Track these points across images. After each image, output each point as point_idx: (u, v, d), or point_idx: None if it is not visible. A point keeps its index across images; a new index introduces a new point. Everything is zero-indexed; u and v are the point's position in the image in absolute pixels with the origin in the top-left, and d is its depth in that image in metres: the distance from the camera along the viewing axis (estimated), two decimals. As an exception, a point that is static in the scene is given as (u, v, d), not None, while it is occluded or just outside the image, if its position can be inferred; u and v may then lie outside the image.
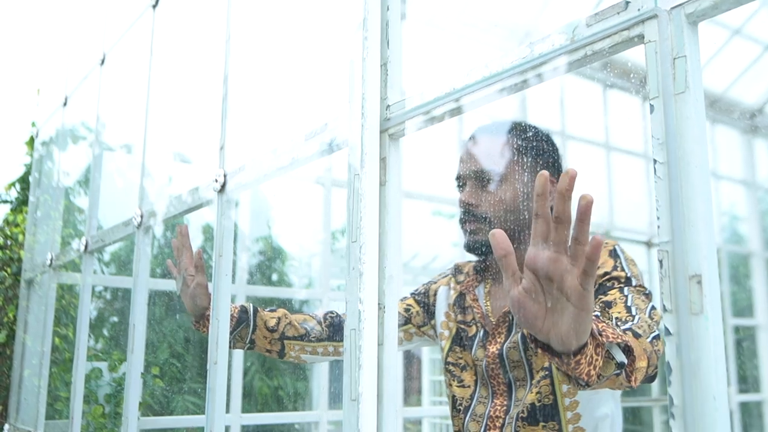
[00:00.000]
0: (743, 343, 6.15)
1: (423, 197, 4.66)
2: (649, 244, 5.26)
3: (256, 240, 6.66)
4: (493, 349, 1.62)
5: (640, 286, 1.48)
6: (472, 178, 1.64)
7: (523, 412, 1.55)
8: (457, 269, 1.82)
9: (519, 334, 1.57)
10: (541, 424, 1.52)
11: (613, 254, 1.52)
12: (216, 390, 1.63)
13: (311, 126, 1.43)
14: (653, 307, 1.43)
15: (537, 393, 1.54)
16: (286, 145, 1.51)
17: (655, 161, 0.90)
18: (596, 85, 5.34)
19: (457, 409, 1.70)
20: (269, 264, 6.68)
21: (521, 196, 1.59)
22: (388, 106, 1.31)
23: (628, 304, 1.40)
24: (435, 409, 6.96)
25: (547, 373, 1.53)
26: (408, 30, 1.40)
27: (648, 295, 1.48)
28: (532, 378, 1.56)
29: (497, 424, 1.60)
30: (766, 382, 5.86)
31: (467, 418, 1.67)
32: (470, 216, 1.62)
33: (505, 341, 1.60)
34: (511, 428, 1.56)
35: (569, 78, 5.17)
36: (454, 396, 1.71)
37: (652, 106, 0.93)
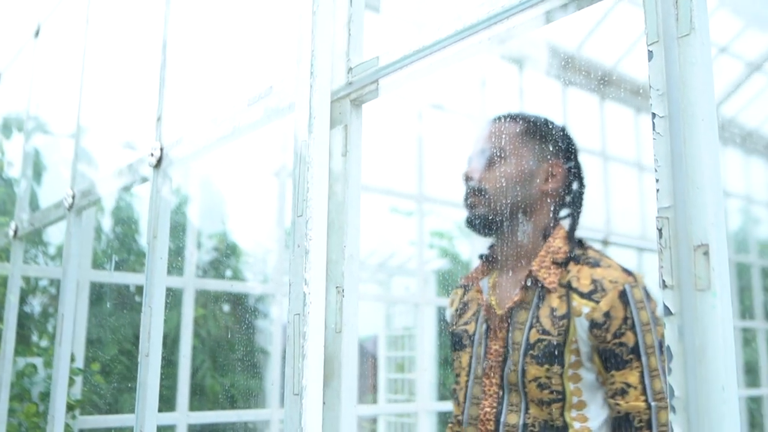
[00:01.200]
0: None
1: (380, 191, 4.52)
2: (605, 243, 5.19)
3: (209, 236, 6.47)
4: (495, 346, 1.51)
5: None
6: (477, 156, 1.62)
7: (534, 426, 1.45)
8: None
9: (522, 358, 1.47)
10: None
11: (623, 298, 1.45)
12: (147, 385, 1.46)
13: (255, 90, 1.28)
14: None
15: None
16: (227, 113, 1.35)
17: (654, 115, 0.76)
18: (592, 96, 5.27)
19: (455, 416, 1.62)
20: (223, 260, 6.50)
21: (521, 177, 1.56)
22: (350, 68, 1.16)
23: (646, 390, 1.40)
24: (391, 407, 6.83)
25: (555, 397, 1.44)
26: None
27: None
28: (527, 407, 1.46)
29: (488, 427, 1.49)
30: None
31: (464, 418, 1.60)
32: (469, 190, 1.60)
33: (507, 342, 1.51)
34: None
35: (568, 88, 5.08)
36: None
37: (650, 52, 0.79)
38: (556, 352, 1.43)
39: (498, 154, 1.58)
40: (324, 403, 1.07)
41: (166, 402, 3.65)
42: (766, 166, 6.72)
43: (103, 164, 2.31)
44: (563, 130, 1.65)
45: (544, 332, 1.45)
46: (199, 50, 1.93)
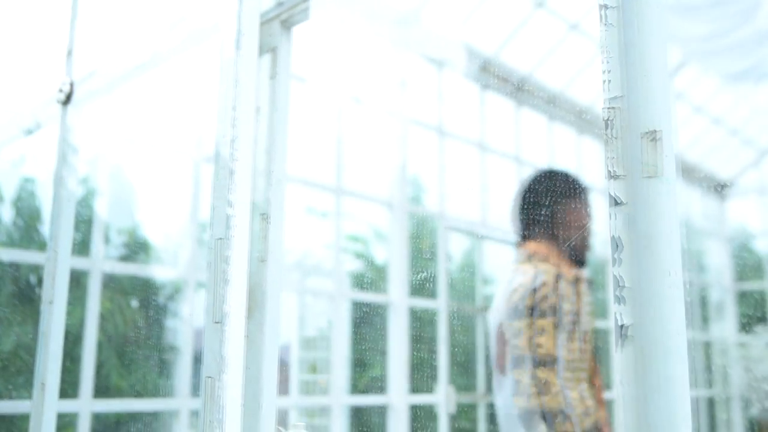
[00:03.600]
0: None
1: (299, 181, 4.45)
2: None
3: (118, 232, 6.24)
4: None
5: None
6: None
7: None
8: None
9: None
10: None
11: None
12: (50, 335, 1.35)
13: (178, 12, 1.21)
14: None
15: None
16: (146, 38, 1.27)
17: (603, 6, 0.74)
18: (474, 86, 5.32)
19: None
20: (131, 255, 6.27)
21: None
22: (278, -10, 1.11)
23: None
24: (304, 400, 6.71)
25: None
26: None
27: None
28: None
29: None
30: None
31: None
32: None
33: None
34: None
35: (450, 77, 5.12)
36: None
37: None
38: None
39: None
40: (246, 336, 1.01)
41: (69, 390, 3.49)
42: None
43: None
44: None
45: None
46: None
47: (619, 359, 0.67)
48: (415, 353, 4.30)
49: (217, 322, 0.96)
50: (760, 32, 5.23)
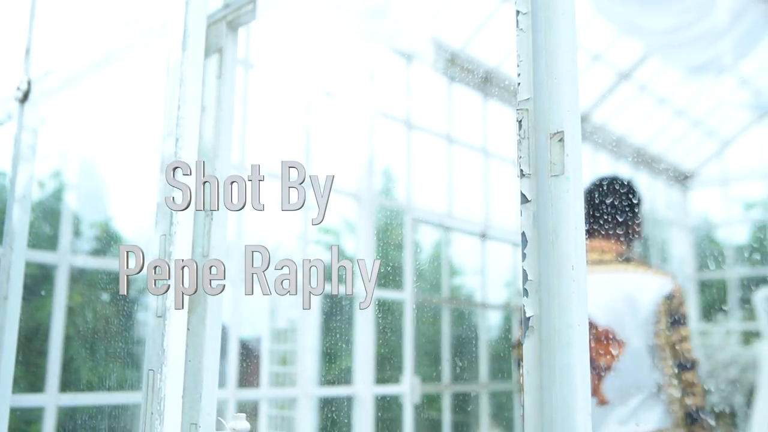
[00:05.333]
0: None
1: (271, 175, 4.46)
2: (483, 237, 5.32)
3: (90, 225, 6.21)
4: None
5: None
6: None
7: None
8: None
9: None
10: None
11: None
12: (5, 330, 1.38)
13: (130, 13, 1.24)
14: None
15: None
16: (99, 38, 1.30)
17: (517, 12, 0.79)
18: (442, 79, 5.36)
19: None
20: (103, 249, 6.24)
21: None
22: (225, -8, 1.14)
23: None
24: (272, 391, 6.74)
25: None
26: None
27: None
28: None
29: None
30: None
31: None
32: None
33: None
34: None
35: (419, 71, 5.16)
36: None
37: (513, -44, 0.82)
38: None
39: None
40: (188, 329, 1.05)
41: (38, 384, 3.49)
42: (633, 171, 7.06)
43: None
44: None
45: None
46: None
47: (524, 349, 0.72)
48: (381, 344, 4.35)
49: (159, 316, 1.00)
50: (717, 26, 5.32)
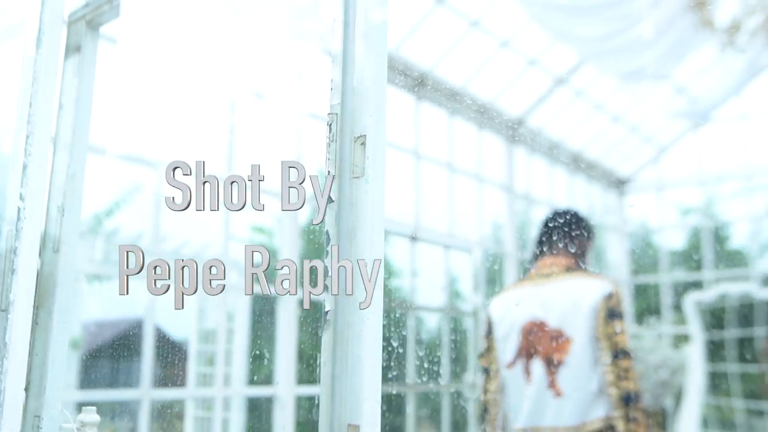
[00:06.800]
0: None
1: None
2: (413, 238, 5.35)
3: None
4: None
5: None
6: None
7: None
8: None
9: None
10: None
11: None
12: None
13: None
14: None
15: None
16: (-37, 32, 1.29)
17: (335, 20, 0.81)
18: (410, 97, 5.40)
19: None
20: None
21: None
22: (88, -9, 1.15)
23: None
24: (199, 391, 6.68)
25: None
26: None
27: None
28: None
29: None
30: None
31: None
32: None
33: None
34: None
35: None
36: None
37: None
38: None
39: None
40: (36, 323, 1.05)
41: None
42: (569, 176, 7.18)
43: None
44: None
45: None
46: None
47: (322, 341, 0.75)
48: (301, 345, 4.36)
49: (3, 311, 1.00)
50: (646, 35, 5.45)
